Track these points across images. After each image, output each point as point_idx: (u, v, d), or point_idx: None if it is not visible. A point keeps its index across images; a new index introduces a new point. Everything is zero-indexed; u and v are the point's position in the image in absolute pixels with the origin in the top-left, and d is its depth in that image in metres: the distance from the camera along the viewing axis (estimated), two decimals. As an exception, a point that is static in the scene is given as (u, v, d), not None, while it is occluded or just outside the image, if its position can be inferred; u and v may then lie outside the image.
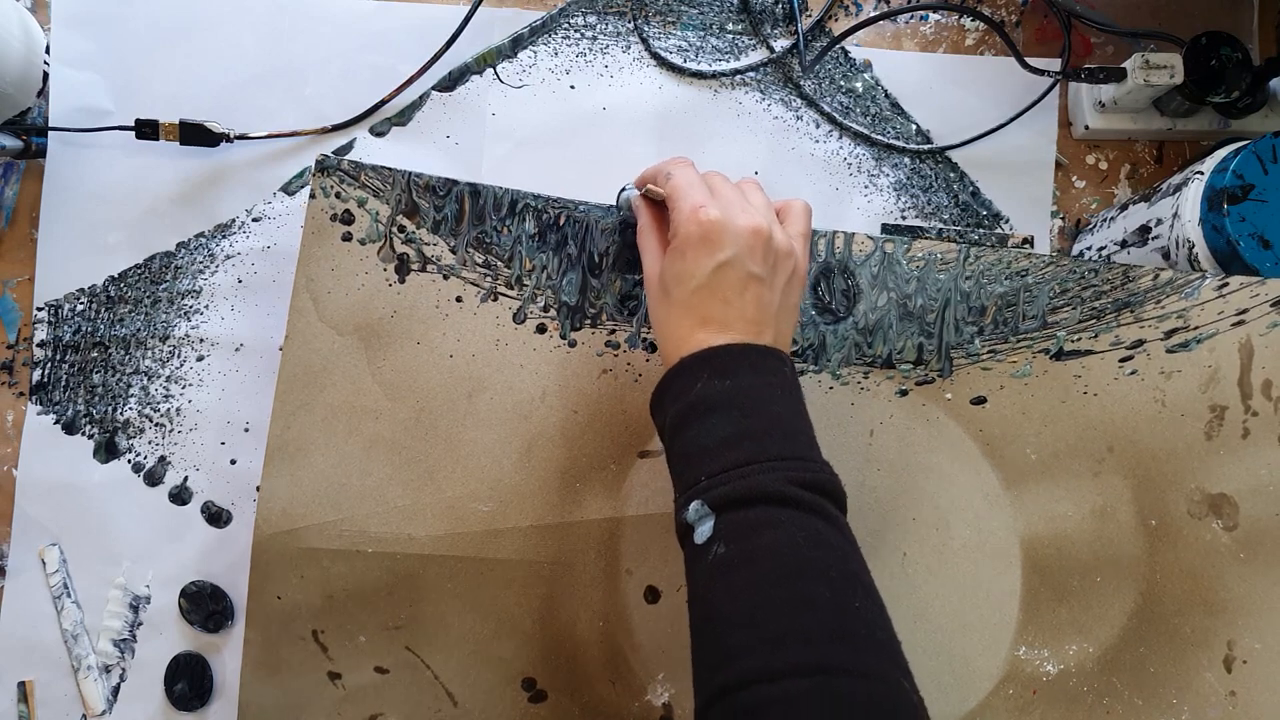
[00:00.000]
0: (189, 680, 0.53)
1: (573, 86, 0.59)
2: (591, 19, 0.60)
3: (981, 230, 0.59)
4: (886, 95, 0.60)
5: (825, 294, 0.51)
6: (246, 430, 0.55)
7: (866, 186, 0.59)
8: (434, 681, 0.50)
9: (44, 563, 0.55)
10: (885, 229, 0.58)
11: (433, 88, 0.58)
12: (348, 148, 0.58)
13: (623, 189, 0.49)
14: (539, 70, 0.59)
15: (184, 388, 0.56)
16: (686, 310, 0.40)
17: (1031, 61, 0.57)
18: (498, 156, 0.58)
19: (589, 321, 0.50)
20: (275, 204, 0.57)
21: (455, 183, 0.51)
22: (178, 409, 0.55)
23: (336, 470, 0.50)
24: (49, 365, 0.56)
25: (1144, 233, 0.53)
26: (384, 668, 0.49)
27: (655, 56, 0.59)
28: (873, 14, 0.59)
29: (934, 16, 0.61)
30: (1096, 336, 0.50)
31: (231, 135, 0.57)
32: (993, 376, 0.50)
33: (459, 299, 0.50)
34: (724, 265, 0.40)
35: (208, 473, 0.55)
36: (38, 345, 0.56)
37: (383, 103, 0.58)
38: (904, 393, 0.50)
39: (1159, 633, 0.49)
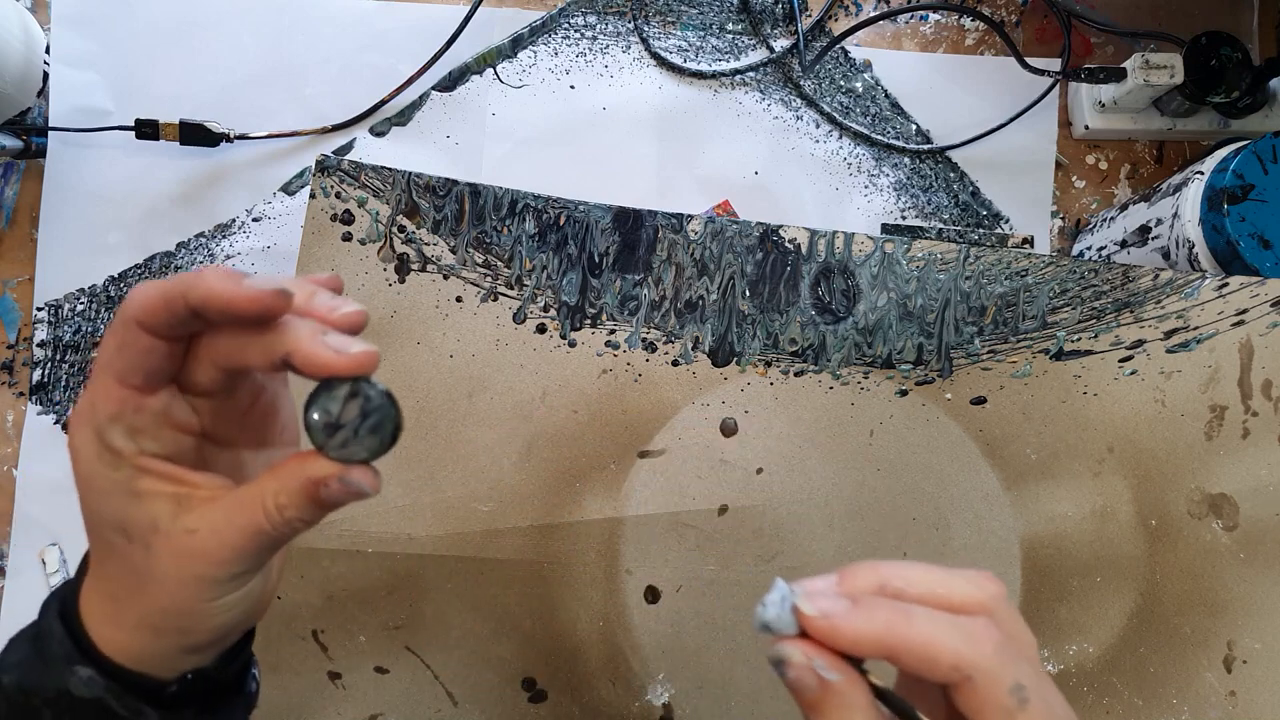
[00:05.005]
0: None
1: (573, 86, 0.59)
2: (591, 19, 0.60)
3: (981, 230, 0.59)
4: (886, 95, 0.60)
5: (825, 294, 0.51)
6: (246, 430, 0.55)
7: (866, 186, 0.59)
8: (434, 681, 0.50)
9: (44, 563, 0.55)
10: (885, 229, 0.58)
11: (433, 88, 0.58)
12: (348, 148, 0.58)
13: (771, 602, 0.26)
14: (539, 70, 0.59)
15: (184, 388, 0.56)
16: None
17: (1031, 61, 0.57)
18: (498, 156, 0.58)
19: (589, 321, 0.50)
20: (275, 204, 0.57)
21: (455, 183, 0.51)
22: (178, 409, 0.55)
23: (336, 470, 0.50)
24: (49, 365, 0.56)
25: (1144, 233, 0.53)
26: (384, 668, 0.49)
27: (655, 56, 0.59)
28: (873, 14, 0.59)
29: (934, 16, 0.61)
30: (1096, 336, 0.50)
31: (231, 135, 0.57)
32: (993, 376, 0.50)
33: (459, 299, 0.50)
34: None
35: (208, 473, 0.55)
36: (38, 345, 0.56)
37: (383, 103, 0.58)
38: (904, 393, 0.50)
39: (1159, 633, 0.49)
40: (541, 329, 0.50)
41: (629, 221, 0.51)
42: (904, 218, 0.59)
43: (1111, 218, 0.57)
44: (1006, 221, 0.59)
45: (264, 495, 0.27)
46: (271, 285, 0.25)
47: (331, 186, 0.51)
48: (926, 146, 0.59)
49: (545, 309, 0.50)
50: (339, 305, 0.27)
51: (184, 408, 0.28)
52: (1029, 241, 0.59)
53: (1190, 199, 0.50)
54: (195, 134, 0.56)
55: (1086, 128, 0.59)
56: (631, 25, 0.60)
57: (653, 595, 0.50)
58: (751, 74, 0.60)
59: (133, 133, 0.56)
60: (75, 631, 0.29)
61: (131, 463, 0.27)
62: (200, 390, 0.28)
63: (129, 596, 0.28)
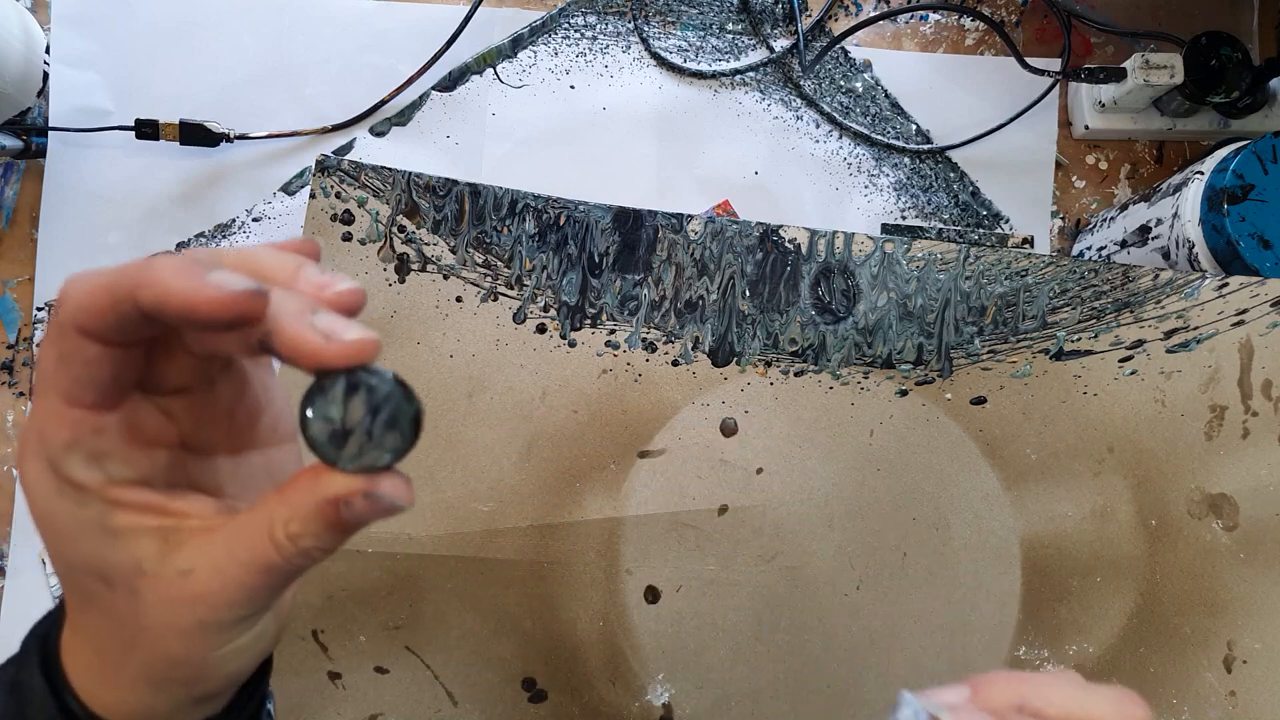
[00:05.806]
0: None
1: (573, 86, 0.59)
2: (591, 19, 0.60)
3: (981, 230, 0.59)
4: (886, 95, 0.60)
5: (825, 294, 0.51)
6: (246, 430, 0.55)
7: (866, 186, 0.59)
8: (434, 681, 0.50)
9: (44, 563, 0.55)
10: (885, 229, 0.58)
11: (433, 88, 0.58)
12: (348, 148, 0.58)
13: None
14: (539, 70, 0.59)
15: (184, 388, 0.56)
16: None
17: (1031, 61, 0.57)
18: (498, 156, 0.58)
19: (589, 321, 0.50)
20: (275, 204, 0.57)
21: (455, 183, 0.51)
22: (178, 409, 0.55)
23: (336, 470, 0.50)
24: (49, 365, 0.56)
25: (1144, 233, 0.53)
26: (384, 668, 0.49)
27: (655, 56, 0.59)
28: (873, 14, 0.59)
29: (934, 16, 0.61)
30: (1096, 336, 0.50)
31: (231, 135, 0.57)
32: (993, 376, 0.50)
33: (459, 299, 0.50)
34: None
35: (208, 473, 0.55)
36: (37, 345, 0.56)
37: (383, 103, 0.58)
38: (904, 393, 0.50)
39: (1159, 633, 0.49)
40: (541, 329, 0.50)
41: (629, 221, 0.51)
42: (904, 218, 0.59)
43: (1111, 218, 0.57)
44: (1006, 221, 0.59)
45: (272, 523, 0.22)
46: (243, 283, 0.20)
47: (331, 186, 0.51)
48: (926, 146, 0.59)
49: (545, 309, 0.50)
50: (331, 281, 0.22)
51: (154, 415, 0.23)
52: (1029, 241, 0.59)
53: (1190, 199, 0.50)
54: (195, 134, 0.56)
55: (1086, 128, 0.59)
56: (631, 25, 0.60)
57: (653, 595, 0.50)
58: (751, 74, 0.60)
59: (133, 133, 0.56)
60: (59, 688, 0.25)
61: (100, 496, 0.22)
62: (172, 388, 0.23)
63: (119, 651, 0.24)
